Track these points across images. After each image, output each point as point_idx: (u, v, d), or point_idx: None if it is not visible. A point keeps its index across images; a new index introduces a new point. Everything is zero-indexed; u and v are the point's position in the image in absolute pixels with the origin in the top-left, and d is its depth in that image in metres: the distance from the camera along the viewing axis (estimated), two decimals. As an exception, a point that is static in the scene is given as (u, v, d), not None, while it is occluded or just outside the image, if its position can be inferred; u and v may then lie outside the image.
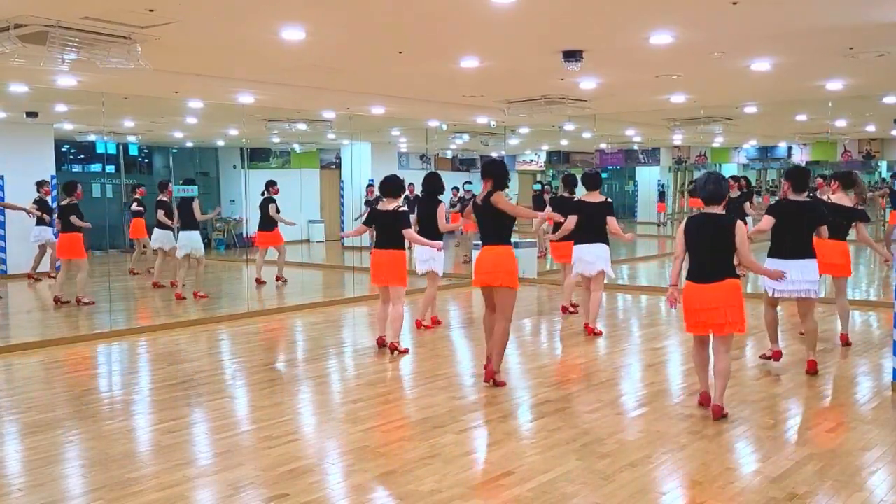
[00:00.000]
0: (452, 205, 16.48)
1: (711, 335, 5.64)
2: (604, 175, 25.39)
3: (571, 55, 7.58)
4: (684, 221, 5.75)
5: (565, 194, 9.87)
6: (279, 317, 10.23)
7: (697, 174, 20.79)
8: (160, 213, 12.00)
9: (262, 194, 12.69)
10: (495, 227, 6.51)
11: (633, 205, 25.75)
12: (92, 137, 16.84)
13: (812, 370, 6.81)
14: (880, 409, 5.83)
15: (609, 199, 8.77)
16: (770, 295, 6.83)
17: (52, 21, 6.07)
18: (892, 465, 4.73)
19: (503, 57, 8.06)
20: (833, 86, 9.97)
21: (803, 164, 19.00)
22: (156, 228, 12.26)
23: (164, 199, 12.01)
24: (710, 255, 5.50)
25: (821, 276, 7.06)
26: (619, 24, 6.62)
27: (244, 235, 18.30)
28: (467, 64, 8.25)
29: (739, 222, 5.54)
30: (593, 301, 8.65)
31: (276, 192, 12.75)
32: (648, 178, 24.32)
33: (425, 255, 8.69)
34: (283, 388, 6.76)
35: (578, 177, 9.67)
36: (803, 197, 6.74)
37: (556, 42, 7.34)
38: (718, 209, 5.57)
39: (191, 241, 11.25)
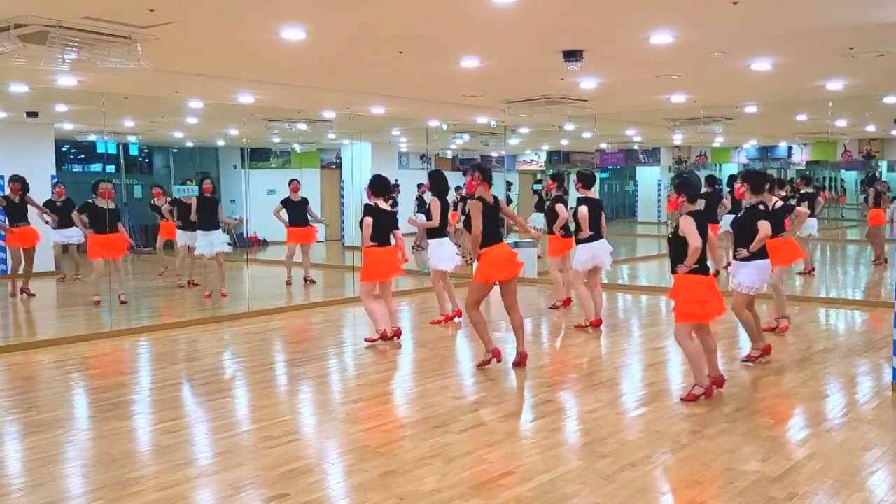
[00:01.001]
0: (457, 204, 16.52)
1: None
2: (603, 175, 25.41)
3: (571, 55, 7.57)
4: (690, 214, 5.93)
5: (559, 193, 10.03)
6: (280, 316, 10.22)
7: (698, 174, 20.75)
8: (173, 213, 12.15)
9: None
10: (499, 225, 7.11)
11: (634, 204, 25.77)
12: (92, 137, 16.82)
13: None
14: (880, 409, 5.83)
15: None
16: (753, 294, 7.13)
17: (53, 21, 6.07)
18: (892, 464, 4.74)
19: (503, 57, 8.06)
20: (833, 86, 9.97)
21: (803, 164, 19.04)
22: (177, 230, 12.32)
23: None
24: (703, 249, 5.90)
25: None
26: (619, 24, 6.62)
27: (244, 235, 18.31)
28: (467, 64, 8.25)
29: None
30: (599, 295, 9.15)
31: (294, 189, 12.72)
32: (649, 177, 24.32)
33: (445, 255, 9.14)
34: (284, 388, 6.76)
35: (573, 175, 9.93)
36: (758, 199, 7.22)
37: (557, 42, 7.34)
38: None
39: (217, 239, 11.26)
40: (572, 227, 9.31)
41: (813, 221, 13.32)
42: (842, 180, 23.45)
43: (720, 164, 20.85)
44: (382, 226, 8.04)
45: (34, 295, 11.60)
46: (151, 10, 5.87)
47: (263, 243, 19.30)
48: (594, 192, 9.02)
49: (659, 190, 23.93)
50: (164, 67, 8.10)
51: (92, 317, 9.97)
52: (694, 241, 5.75)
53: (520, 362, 7.09)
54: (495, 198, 7.07)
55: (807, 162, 19.01)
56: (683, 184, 6.06)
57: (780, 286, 8.51)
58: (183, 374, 7.32)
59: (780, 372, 6.95)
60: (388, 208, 8.16)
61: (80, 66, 7.25)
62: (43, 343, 8.33)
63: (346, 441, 5.21)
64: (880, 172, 20.50)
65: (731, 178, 14.14)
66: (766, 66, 8.46)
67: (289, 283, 12.74)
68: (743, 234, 7.09)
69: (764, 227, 6.94)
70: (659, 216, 23.68)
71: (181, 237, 12.18)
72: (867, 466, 4.69)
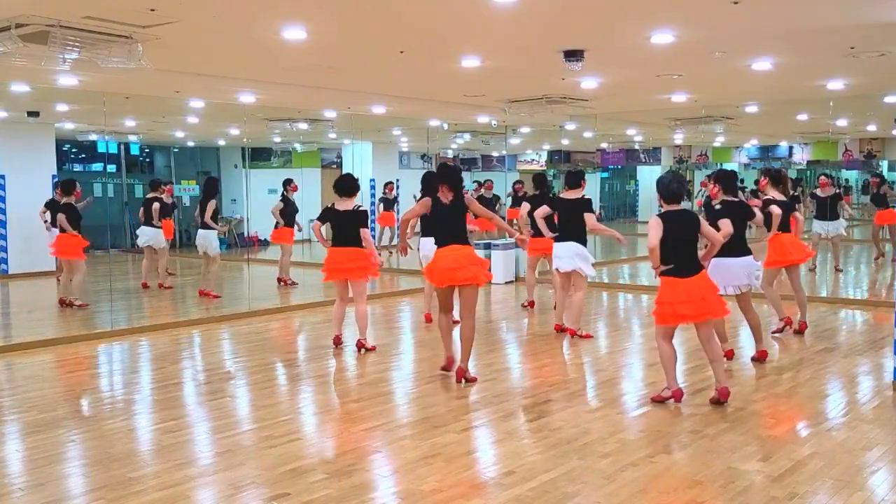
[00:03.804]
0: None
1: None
2: (604, 175, 25.38)
3: (572, 55, 7.58)
4: (659, 216, 5.86)
5: (536, 192, 10.03)
6: (279, 316, 10.23)
7: (699, 174, 20.79)
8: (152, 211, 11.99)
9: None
10: (461, 226, 6.72)
11: (635, 204, 25.77)
12: (93, 137, 16.84)
13: (762, 357, 7.24)
14: (881, 409, 5.83)
15: (587, 197, 8.38)
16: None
17: (54, 20, 6.08)
18: (892, 464, 4.74)
19: (504, 56, 8.06)
20: (834, 85, 9.96)
21: (804, 163, 19.04)
22: (143, 227, 12.12)
23: (160, 197, 12.09)
24: (689, 248, 5.82)
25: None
26: (619, 23, 6.62)
27: (245, 235, 18.32)
28: (468, 63, 8.25)
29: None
30: (574, 302, 8.41)
31: (294, 189, 12.62)
32: (650, 177, 24.32)
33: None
34: (283, 388, 6.76)
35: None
36: (732, 197, 7.16)
37: (557, 41, 7.34)
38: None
39: (206, 239, 11.23)
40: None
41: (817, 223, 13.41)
42: (845, 179, 23.43)
43: (721, 164, 20.84)
44: (338, 227, 7.78)
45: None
46: (152, 10, 5.88)
47: (264, 243, 19.31)
48: (575, 193, 8.43)
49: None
50: (165, 67, 8.10)
51: (92, 317, 9.98)
52: (648, 240, 5.68)
53: (457, 378, 6.67)
54: (460, 198, 6.62)
55: (808, 162, 19.01)
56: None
57: (767, 287, 8.16)
58: (183, 373, 7.33)
59: (780, 372, 6.95)
60: (351, 209, 7.77)
61: (81, 66, 7.26)
62: (43, 343, 8.33)
63: (346, 441, 5.21)
64: (881, 172, 20.48)
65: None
66: (767, 66, 8.45)
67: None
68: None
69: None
70: (660, 216, 23.63)
71: (157, 237, 12.08)
72: (868, 466, 4.69)
